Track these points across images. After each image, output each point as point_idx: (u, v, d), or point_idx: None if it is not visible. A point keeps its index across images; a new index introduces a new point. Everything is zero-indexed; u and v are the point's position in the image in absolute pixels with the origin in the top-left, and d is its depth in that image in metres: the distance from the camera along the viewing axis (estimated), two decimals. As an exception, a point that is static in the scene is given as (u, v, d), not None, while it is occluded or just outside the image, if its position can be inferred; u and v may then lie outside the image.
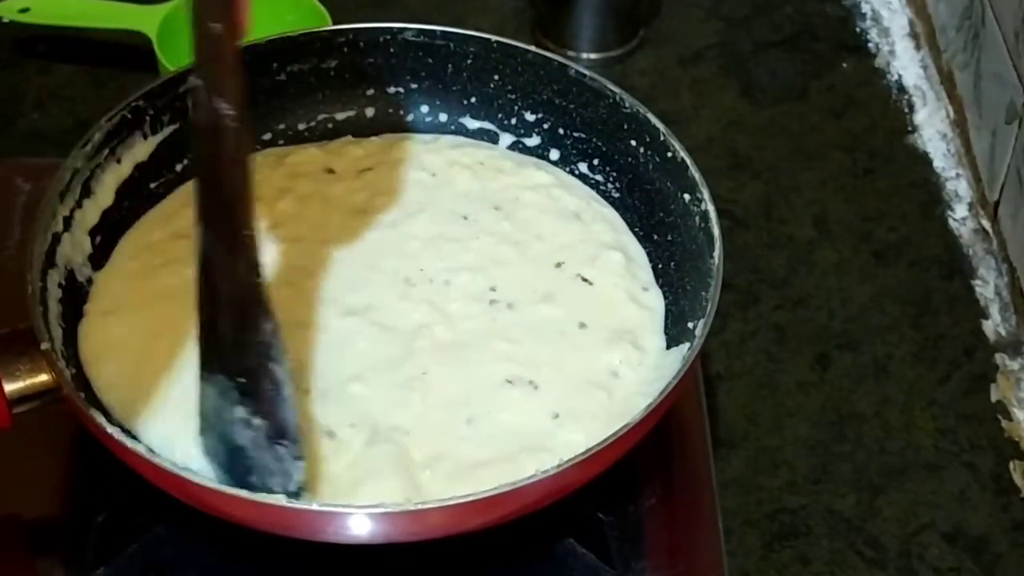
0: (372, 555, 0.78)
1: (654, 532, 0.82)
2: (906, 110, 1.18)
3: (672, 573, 0.80)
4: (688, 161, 0.86)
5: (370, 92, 0.95)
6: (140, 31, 1.13)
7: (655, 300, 0.86)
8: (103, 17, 1.14)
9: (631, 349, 0.83)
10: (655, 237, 0.88)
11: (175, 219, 0.88)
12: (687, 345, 0.81)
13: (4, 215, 0.96)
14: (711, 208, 0.84)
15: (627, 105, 0.89)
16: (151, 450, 0.76)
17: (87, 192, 0.86)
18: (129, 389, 0.79)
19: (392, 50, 0.94)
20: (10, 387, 0.76)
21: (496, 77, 0.93)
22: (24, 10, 1.14)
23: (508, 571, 0.81)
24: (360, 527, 0.72)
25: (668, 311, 0.85)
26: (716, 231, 0.83)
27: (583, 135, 0.92)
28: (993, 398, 0.99)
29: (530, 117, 0.94)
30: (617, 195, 0.91)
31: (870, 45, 1.23)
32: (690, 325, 0.83)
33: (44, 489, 0.83)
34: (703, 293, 0.82)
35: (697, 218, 0.84)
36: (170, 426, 0.78)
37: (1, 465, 0.82)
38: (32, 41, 1.19)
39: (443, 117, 0.95)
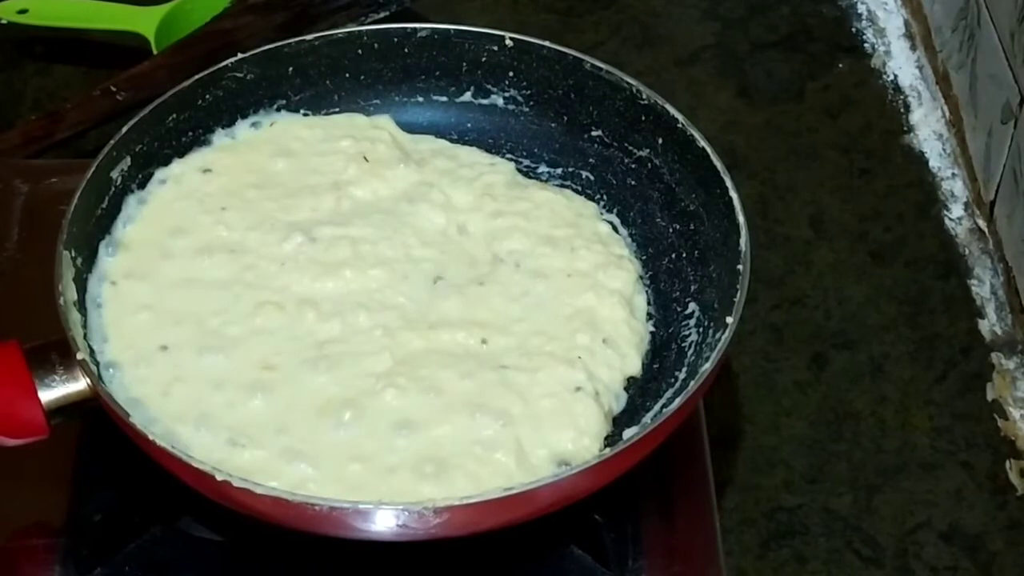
0: (368, 556, 0.78)
1: (651, 532, 0.82)
2: (902, 110, 1.18)
3: (669, 573, 0.80)
4: (709, 150, 0.86)
5: (383, 92, 0.95)
6: (138, 32, 1.13)
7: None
8: (101, 18, 1.15)
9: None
10: (676, 227, 0.88)
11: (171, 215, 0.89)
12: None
13: (3, 216, 0.96)
14: (735, 196, 0.84)
15: (644, 97, 0.90)
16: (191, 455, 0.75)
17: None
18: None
19: (406, 50, 0.94)
20: (47, 398, 0.77)
21: (511, 74, 0.93)
22: (22, 11, 1.14)
23: (504, 573, 0.81)
24: (370, 524, 0.72)
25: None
26: (741, 219, 0.82)
27: (600, 132, 0.92)
28: (989, 397, 0.99)
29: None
30: (635, 184, 0.91)
31: (866, 46, 1.23)
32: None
33: (43, 488, 0.83)
34: (732, 284, 0.81)
35: (721, 206, 0.85)
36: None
37: (0, 464, 0.82)
38: (30, 42, 1.19)
39: (455, 116, 0.96)
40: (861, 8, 1.26)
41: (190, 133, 0.90)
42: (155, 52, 1.10)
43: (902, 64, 1.21)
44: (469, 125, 0.95)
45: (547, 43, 0.93)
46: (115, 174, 0.86)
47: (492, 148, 0.94)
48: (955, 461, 0.95)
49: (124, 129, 0.86)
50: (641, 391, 0.83)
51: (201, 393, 0.79)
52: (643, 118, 0.90)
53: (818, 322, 1.03)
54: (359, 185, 0.90)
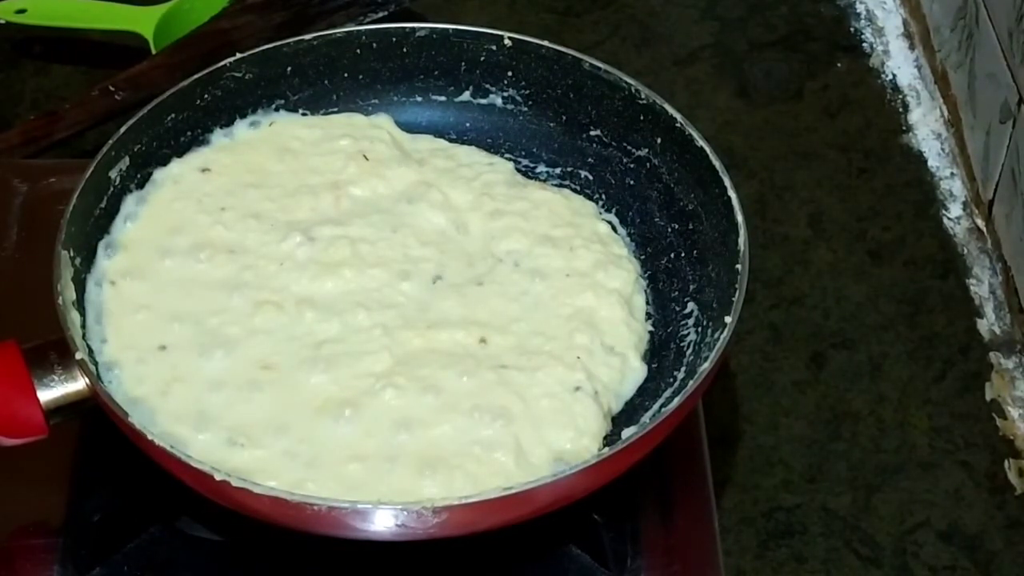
0: (368, 556, 0.78)
1: (650, 532, 0.82)
2: (900, 110, 1.18)
3: (668, 572, 0.80)
4: (708, 149, 0.86)
5: (381, 91, 0.95)
6: (136, 32, 1.13)
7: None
8: (99, 18, 1.15)
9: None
10: (675, 226, 0.88)
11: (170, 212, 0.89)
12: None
13: (1, 216, 0.96)
14: (733, 196, 0.84)
15: (643, 97, 0.90)
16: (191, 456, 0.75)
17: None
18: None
19: (405, 50, 0.94)
20: (45, 398, 0.77)
21: (510, 73, 0.93)
22: (21, 11, 1.14)
23: (504, 573, 0.81)
24: (369, 523, 0.72)
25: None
26: (740, 218, 0.82)
27: (598, 132, 0.92)
28: (988, 397, 0.99)
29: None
30: (634, 183, 0.91)
31: (864, 45, 1.23)
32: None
33: (42, 488, 0.83)
34: (731, 283, 0.81)
35: (720, 205, 0.85)
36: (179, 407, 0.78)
37: (-1, 465, 0.83)
38: (29, 42, 1.19)
39: (454, 116, 0.96)
40: (860, 7, 1.26)
41: (189, 133, 0.90)
42: (154, 52, 1.10)
43: (901, 63, 1.21)
44: (468, 125, 0.95)
45: (545, 43, 0.93)
46: (114, 174, 0.86)
47: (491, 148, 0.94)
48: (954, 460, 0.95)
49: (123, 129, 0.86)
50: (640, 390, 0.83)
51: (200, 393, 0.79)
52: (642, 117, 0.90)
53: (817, 322, 1.03)
54: (358, 185, 0.90)
